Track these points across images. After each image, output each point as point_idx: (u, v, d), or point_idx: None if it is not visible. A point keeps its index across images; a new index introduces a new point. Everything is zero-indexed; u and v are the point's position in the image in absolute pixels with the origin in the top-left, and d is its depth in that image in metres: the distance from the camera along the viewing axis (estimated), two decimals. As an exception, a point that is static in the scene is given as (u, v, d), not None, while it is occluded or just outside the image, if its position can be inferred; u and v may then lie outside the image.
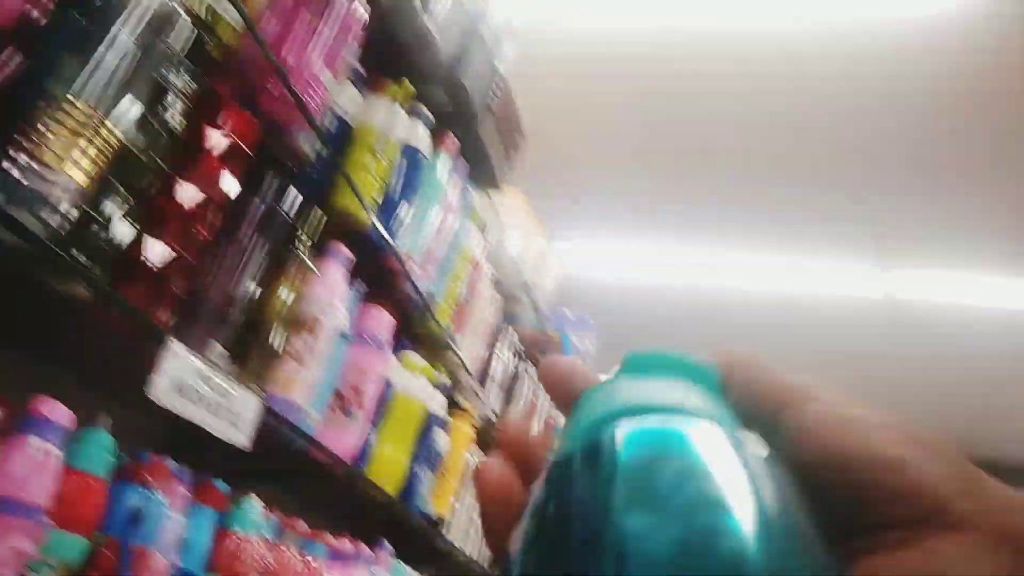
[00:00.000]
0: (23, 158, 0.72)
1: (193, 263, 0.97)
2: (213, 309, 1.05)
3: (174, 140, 0.93)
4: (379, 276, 1.46)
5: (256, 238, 1.10)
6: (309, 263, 1.24)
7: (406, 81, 1.39)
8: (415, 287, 1.53)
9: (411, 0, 1.36)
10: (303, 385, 1.26)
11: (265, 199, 1.12)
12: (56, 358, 1.08)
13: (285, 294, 1.19)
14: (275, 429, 1.19)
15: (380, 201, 1.38)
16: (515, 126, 1.72)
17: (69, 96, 0.75)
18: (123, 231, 0.87)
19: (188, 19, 0.89)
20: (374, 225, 1.37)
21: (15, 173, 0.72)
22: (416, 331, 1.67)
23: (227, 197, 1.01)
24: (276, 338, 1.20)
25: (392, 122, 1.36)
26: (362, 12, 1.20)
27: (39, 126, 0.73)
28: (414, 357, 1.67)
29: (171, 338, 0.94)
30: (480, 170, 1.69)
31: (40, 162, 0.73)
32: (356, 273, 1.42)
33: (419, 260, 1.53)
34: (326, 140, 1.25)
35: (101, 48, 0.78)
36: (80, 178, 0.77)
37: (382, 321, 1.49)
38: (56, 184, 0.75)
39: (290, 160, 1.17)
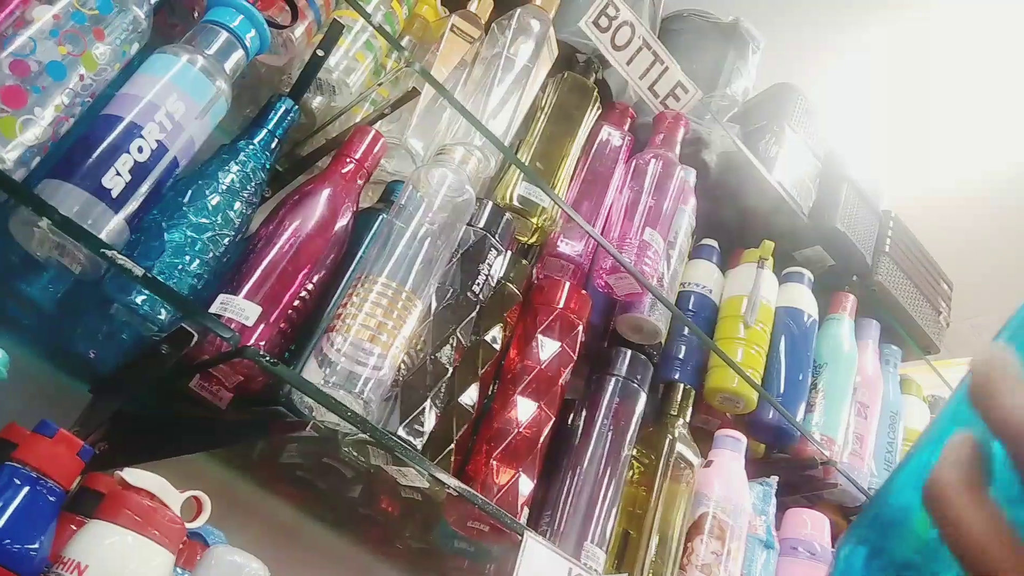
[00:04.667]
0: (338, 339, 0.76)
1: (537, 451, 0.89)
2: (576, 505, 0.94)
3: (502, 325, 0.92)
4: (794, 468, 1.21)
5: (613, 423, 1.00)
6: (691, 453, 1.08)
7: (767, 243, 1.26)
8: (849, 479, 1.23)
9: (751, 166, 1.27)
10: (719, 605, 1.03)
11: (618, 382, 1.03)
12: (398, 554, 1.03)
13: (666, 490, 1.04)
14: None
15: (766, 375, 1.19)
16: (927, 269, 1.42)
17: (381, 279, 0.79)
18: (462, 408, 0.85)
19: (492, 206, 0.92)
20: (766, 403, 1.17)
21: (332, 354, 0.75)
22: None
23: (562, 383, 0.95)
24: (668, 543, 1.02)
25: (760, 286, 1.21)
26: (685, 176, 1.15)
27: (352, 308, 0.77)
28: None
29: (530, 534, 0.84)
30: (900, 328, 1.40)
31: (355, 342, 0.76)
32: (764, 467, 1.20)
33: (842, 443, 1.25)
34: (683, 314, 1.15)
35: (407, 237, 0.83)
36: (399, 356, 0.78)
37: (815, 524, 1.20)
38: (373, 364, 0.77)
39: (640, 336, 1.08)
